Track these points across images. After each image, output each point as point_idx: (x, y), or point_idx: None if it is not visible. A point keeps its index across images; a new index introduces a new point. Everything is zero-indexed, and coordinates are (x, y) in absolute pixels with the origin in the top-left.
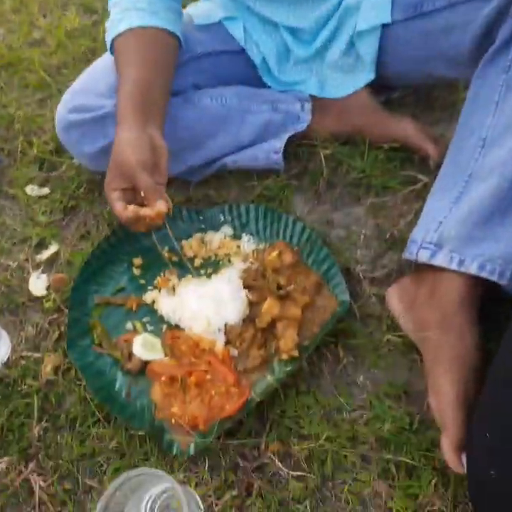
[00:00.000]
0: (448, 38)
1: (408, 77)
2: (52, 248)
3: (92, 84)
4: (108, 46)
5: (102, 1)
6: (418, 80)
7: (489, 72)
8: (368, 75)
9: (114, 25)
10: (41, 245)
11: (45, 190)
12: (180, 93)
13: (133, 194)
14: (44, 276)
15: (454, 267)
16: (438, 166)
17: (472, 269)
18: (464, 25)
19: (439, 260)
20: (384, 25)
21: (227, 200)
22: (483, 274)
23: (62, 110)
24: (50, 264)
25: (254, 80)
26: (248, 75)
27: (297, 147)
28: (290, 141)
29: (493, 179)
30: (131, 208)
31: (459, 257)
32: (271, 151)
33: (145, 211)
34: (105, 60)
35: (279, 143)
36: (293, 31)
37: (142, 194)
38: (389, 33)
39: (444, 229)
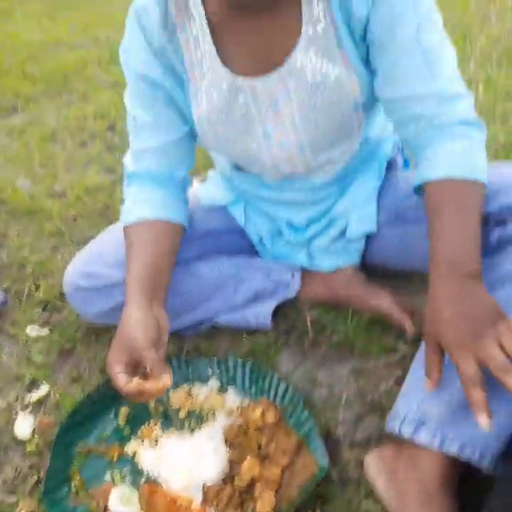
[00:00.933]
0: (425, 243)
1: (391, 266)
2: (43, 389)
3: (102, 254)
4: (122, 227)
5: (121, 164)
6: (400, 268)
7: None
8: (353, 260)
9: (128, 213)
10: (33, 385)
11: (45, 331)
12: (184, 262)
13: (133, 368)
14: (31, 418)
15: (435, 446)
16: (419, 337)
17: (453, 449)
18: None
19: (421, 438)
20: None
21: (217, 353)
22: (464, 456)
23: (73, 274)
24: (39, 405)
25: (250, 250)
26: (245, 246)
27: (286, 312)
28: (279, 304)
29: None
30: (135, 381)
31: (440, 437)
32: (260, 315)
33: (151, 386)
34: (116, 233)
35: (268, 308)
36: (287, 221)
37: (148, 369)
38: (374, 234)
39: (427, 407)
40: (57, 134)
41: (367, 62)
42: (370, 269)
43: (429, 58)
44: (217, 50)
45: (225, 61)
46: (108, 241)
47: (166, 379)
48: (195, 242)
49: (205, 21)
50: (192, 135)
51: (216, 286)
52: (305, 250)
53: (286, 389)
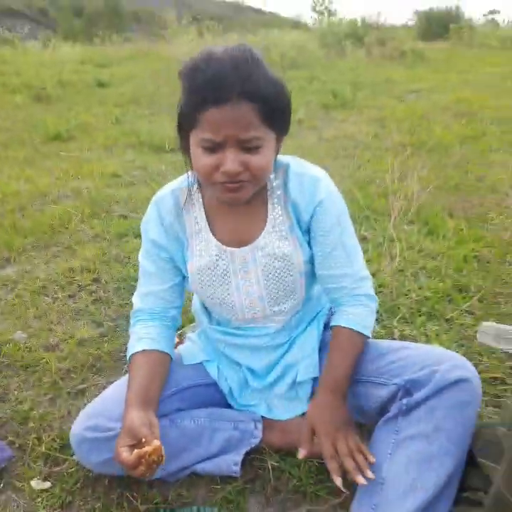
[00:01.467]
0: (356, 400)
1: None
2: None
3: (106, 408)
4: (127, 358)
5: (107, 311)
6: None
7: (384, 431)
8: (303, 408)
9: (132, 346)
10: None
11: (47, 484)
12: (167, 415)
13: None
14: None
15: None
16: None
17: None
18: (367, 396)
19: None
20: (315, 379)
21: (196, 501)
22: None
23: (79, 427)
24: None
25: (221, 401)
26: (217, 398)
27: (252, 458)
28: (246, 452)
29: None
30: (135, 452)
31: None
32: (231, 463)
33: (145, 449)
34: (118, 390)
35: (237, 457)
36: (251, 370)
37: (143, 440)
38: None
39: None
40: (47, 287)
41: (309, 244)
42: None
43: (349, 253)
44: (209, 226)
45: (214, 233)
46: (111, 398)
47: (157, 441)
48: (177, 395)
49: (202, 208)
50: (182, 284)
51: (195, 436)
52: (264, 403)
53: None
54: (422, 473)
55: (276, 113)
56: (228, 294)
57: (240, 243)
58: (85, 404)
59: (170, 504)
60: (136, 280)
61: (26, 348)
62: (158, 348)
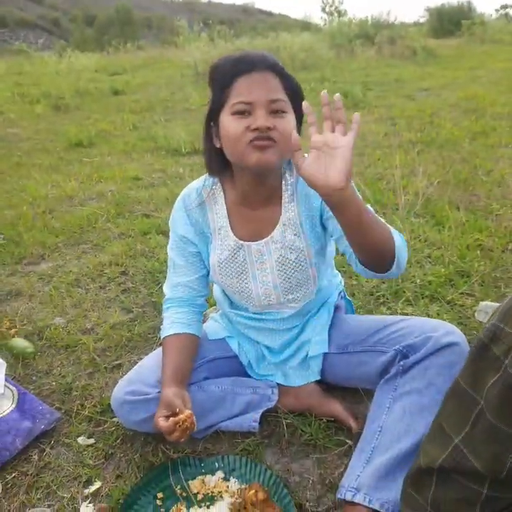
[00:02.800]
0: (361, 368)
1: (341, 383)
2: (96, 484)
3: (142, 376)
4: (161, 339)
5: (135, 299)
6: (347, 385)
7: (385, 389)
8: (315, 376)
9: (165, 329)
10: (88, 482)
11: (91, 441)
12: (196, 382)
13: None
14: (91, 505)
15: (365, 504)
16: (359, 434)
17: (376, 506)
18: (370, 363)
19: (357, 499)
20: (325, 354)
21: (220, 452)
22: (382, 510)
23: (120, 391)
24: (95, 496)
25: (241, 372)
26: (238, 369)
27: (268, 417)
28: (263, 412)
29: (388, 454)
30: (170, 420)
31: (368, 498)
32: (251, 420)
33: (179, 417)
34: (154, 359)
35: (257, 415)
36: (268, 348)
37: (177, 410)
38: (328, 357)
39: (360, 479)
40: (80, 280)
41: (321, 235)
42: (328, 385)
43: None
44: (229, 223)
45: (233, 230)
46: (147, 367)
47: (189, 411)
48: (204, 366)
49: (224, 206)
50: (207, 275)
51: (220, 399)
52: (280, 371)
53: (271, 476)
54: (414, 421)
55: (295, 93)
56: (246, 284)
57: (257, 237)
58: (122, 377)
59: (198, 454)
60: (160, 272)
61: (65, 331)
62: (189, 331)
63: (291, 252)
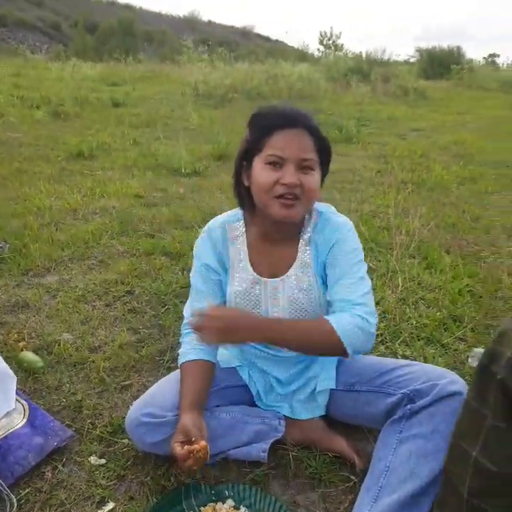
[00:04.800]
0: (367, 407)
1: (346, 420)
2: (110, 505)
3: (159, 399)
4: (179, 365)
5: (142, 320)
6: (351, 423)
7: (391, 430)
8: (321, 411)
9: (185, 354)
10: (101, 502)
11: (103, 461)
12: (208, 409)
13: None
14: None
15: None
16: (363, 471)
17: None
18: (376, 403)
19: None
20: (331, 390)
21: (228, 480)
22: None
23: (136, 412)
24: None
25: (250, 401)
26: (247, 398)
27: (276, 449)
28: (271, 443)
29: (395, 494)
30: (185, 447)
31: None
32: (260, 450)
33: (194, 446)
34: (170, 382)
35: (265, 445)
36: (276, 379)
37: (193, 439)
38: (334, 394)
39: None
40: (86, 296)
41: (324, 279)
42: (333, 421)
43: (355, 283)
44: (249, 258)
45: (252, 264)
46: (164, 389)
47: (203, 442)
48: (216, 394)
49: (245, 242)
50: (225, 303)
51: (229, 427)
52: (288, 404)
53: (281, 507)
54: (419, 465)
55: (324, 153)
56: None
57: (274, 274)
58: (131, 398)
59: (207, 481)
60: (166, 294)
61: (74, 347)
62: (208, 358)
63: (303, 292)
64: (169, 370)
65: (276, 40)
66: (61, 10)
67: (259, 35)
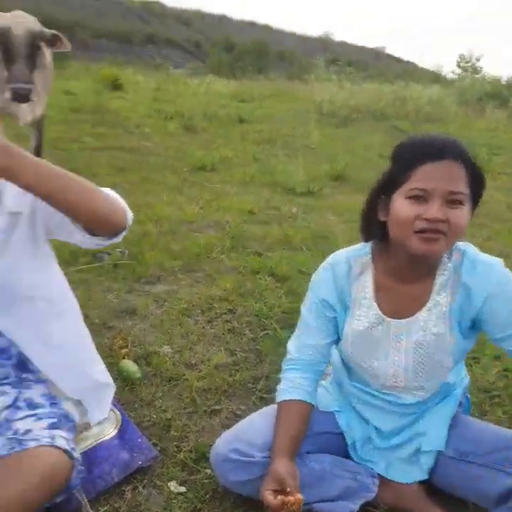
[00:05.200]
0: (479, 483)
1: (451, 491)
2: None
3: (250, 436)
4: (276, 401)
5: (239, 342)
6: (455, 495)
7: None
8: (422, 475)
9: (285, 392)
10: None
11: (183, 489)
12: (298, 455)
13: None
14: None
15: None
16: None
17: None
18: (490, 481)
19: None
20: (439, 452)
21: None
22: None
23: (223, 447)
24: None
25: (343, 450)
26: (340, 446)
27: (365, 508)
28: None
29: None
30: (279, 498)
31: None
32: (347, 509)
33: (289, 498)
34: (264, 418)
35: (354, 505)
36: (377, 429)
37: (287, 489)
38: (441, 459)
39: None
40: (190, 310)
41: (466, 330)
42: (433, 488)
43: None
44: (374, 296)
45: (377, 303)
46: (256, 425)
47: (299, 495)
48: (309, 439)
49: (372, 277)
50: (336, 342)
51: (318, 478)
52: (384, 461)
53: None
54: None
55: (477, 185)
56: (375, 360)
57: (400, 315)
58: (219, 424)
59: None
60: (267, 318)
61: (171, 361)
62: (309, 400)
63: (431, 337)
64: (261, 399)
65: (408, 61)
66: (206, 29)
67: (390, 56)
